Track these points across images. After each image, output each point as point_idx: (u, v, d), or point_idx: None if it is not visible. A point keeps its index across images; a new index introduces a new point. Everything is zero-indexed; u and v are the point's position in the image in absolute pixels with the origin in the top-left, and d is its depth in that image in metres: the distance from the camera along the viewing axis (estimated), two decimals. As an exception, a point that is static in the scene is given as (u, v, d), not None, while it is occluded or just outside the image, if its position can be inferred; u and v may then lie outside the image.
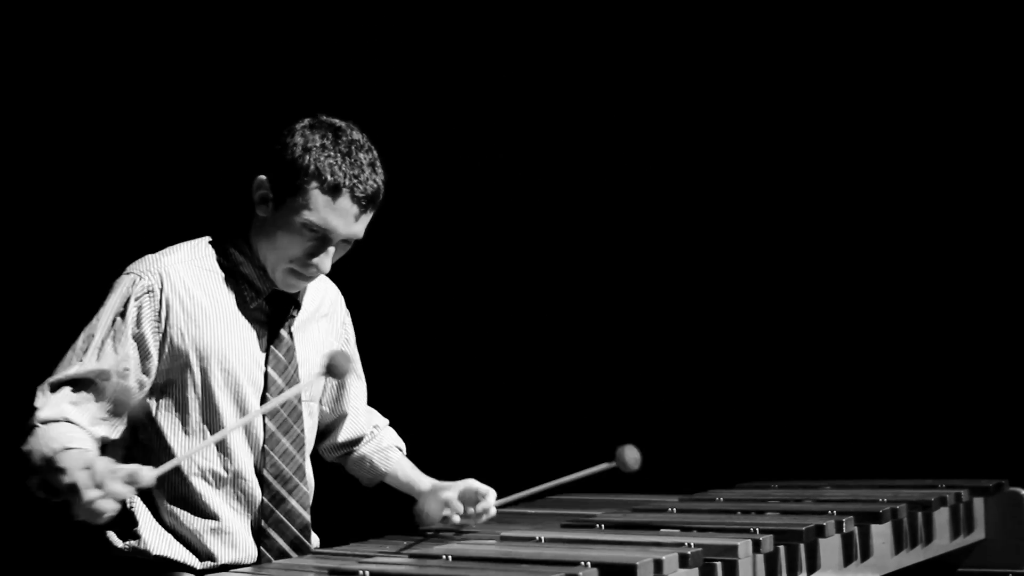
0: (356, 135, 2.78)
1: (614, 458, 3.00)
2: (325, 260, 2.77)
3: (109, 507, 2.35)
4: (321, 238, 2.74)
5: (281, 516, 2.82)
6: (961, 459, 4.26)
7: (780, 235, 5.06)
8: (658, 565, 2.36)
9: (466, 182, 5.26)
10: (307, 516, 2.87)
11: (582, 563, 2.30)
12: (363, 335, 3.22)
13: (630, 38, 5.21)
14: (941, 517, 3.37)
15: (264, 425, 2.82)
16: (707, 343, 5.15)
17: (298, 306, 2.90)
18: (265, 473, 2.80)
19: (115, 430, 2.69)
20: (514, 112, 5.27)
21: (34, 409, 2.61)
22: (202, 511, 2.76)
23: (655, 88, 5.20)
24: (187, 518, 2.75)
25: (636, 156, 5.24)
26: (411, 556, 2.54)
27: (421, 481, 3.13)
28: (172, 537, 2.74)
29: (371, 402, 3.29)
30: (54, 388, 2.65)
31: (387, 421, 3.30)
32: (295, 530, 2.84)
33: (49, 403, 2.62)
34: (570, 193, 5.29)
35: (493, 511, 3.02)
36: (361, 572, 2.13)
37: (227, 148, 4.52)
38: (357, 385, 3.21)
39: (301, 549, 2.84)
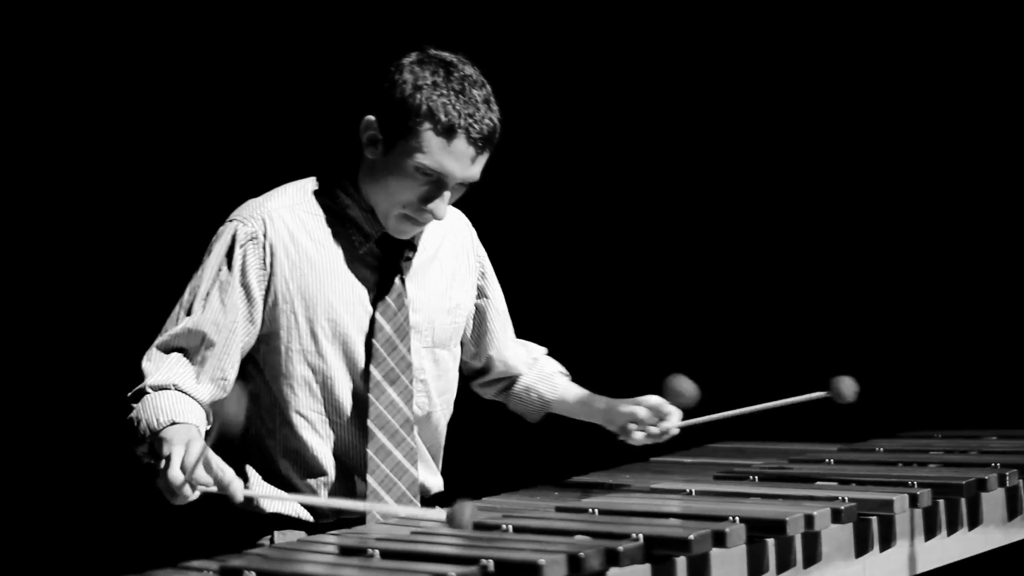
0: (468, 70, 2.62)
1: (828, 388, 2.97)
2: (440, 205, 2.62)
3: (188, 495, 2.33)
4: (436, 182, 2.59)
5: (387, 471, 2.71)
6: None
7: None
8: (809, 521, 2.31)
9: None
10: (415, 473, 2.75)
11: (730, 518, 2.25)
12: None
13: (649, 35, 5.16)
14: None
15: (369, 375, 2.69)
16: (878, 288, 5.05)
17: (413, 248, 2.76)
18: (370, 424, 2.70)
19: (226, 388, 2.62)
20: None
21: (142, 374, 2.57)
22: (312, 464, 2.70)
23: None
24: (298, 472, 2.71)
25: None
26: (558, 509, 2.52)
27: (596, 399, 3.01)
28: (284, 493, 2.69)
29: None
30: (162, 349, 2.61)
31: (545, 350, 3.18)
32: (402, 487, 2.72)
33: (159, 368, 2.57)
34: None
35: (675, 431, 2.96)
36: (370, 551, 2.12)
37: (334, 85, 4.43)
38: (500, 320, 3.04)
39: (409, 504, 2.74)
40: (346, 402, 2.70)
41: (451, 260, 2.85)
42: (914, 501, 2.56)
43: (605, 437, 3.20)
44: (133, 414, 2.49)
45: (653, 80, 5.17)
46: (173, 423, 2.43)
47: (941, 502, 2.68)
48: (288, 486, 2.70)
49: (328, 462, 2.72)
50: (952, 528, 2.73)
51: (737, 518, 2.25)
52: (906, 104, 4.97)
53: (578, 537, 2.17)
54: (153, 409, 2.47)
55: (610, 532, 2.18)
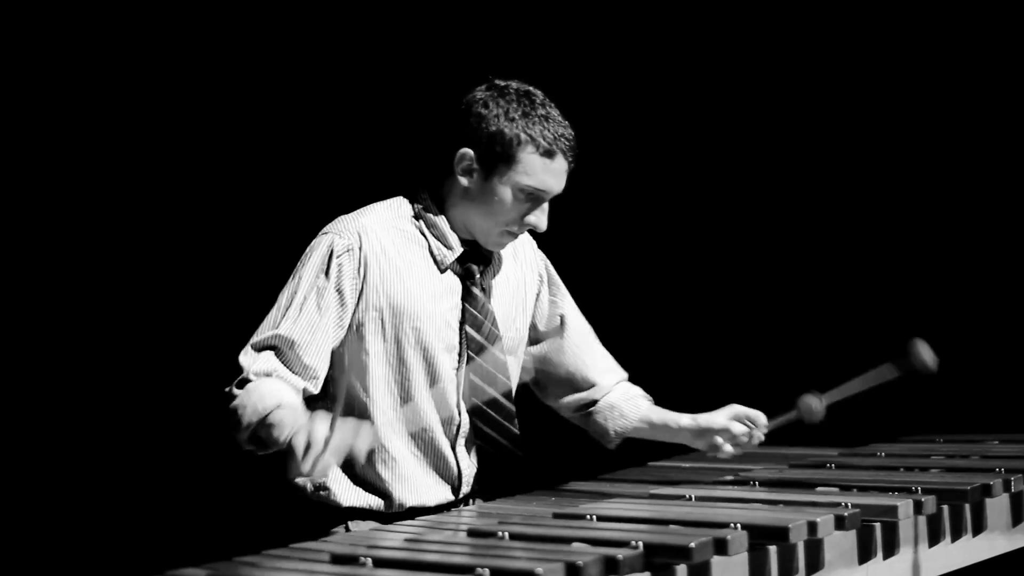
0: (541, 95, 2.87)
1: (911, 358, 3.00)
2: (542, 217, 2.86)
3: (319, 475, 2.50)
4: (535, 199, 2.84)
5: (492, 455, 2.94)
6: None
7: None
8: (812, 527, 2.27)
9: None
10: (518, 453, 2.97)
11: (731, 525, 2.21)
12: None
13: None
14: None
15: (460, 380, 2.90)
16: (874, 293, 5.01)
17: (489, 262, 2.97)
18: (475, 421, 2.92)
19: (317, 387, 2.79)
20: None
21: (240, 367, 2.72)
22: (385, 457, 2.86)
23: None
24: (375, 465, 2.85)
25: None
26: (555, 516, 2.47)
27: (680, 418, 3.09)
28: (360, 486, 2.84)
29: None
30: (258, 348, 2.76)
31: (626, 375, 3.23)
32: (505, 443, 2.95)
33: (257, 361, 2.72)
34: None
35: (763, 436, 3.04)
36: (362, 559, 2.07)
37: (412, 114, 4.66)
38: (584, 335, 3.17)
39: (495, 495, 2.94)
40: (422, 401, 2.88)
41: (516, 272, 3.06)
42: (918, 507, 2.51)
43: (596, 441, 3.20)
44: (236, 402, 2.65)
45: (646, 83, 5.16)
46: (279, 406, 2.61)
47: (945, 508, 2.64)
48: (362, 481, 2.86)
49: (404, 455, 2.88)
50: (956, 534, 2.69)
51: (739, 525, 2.20)
52: (897, 108, 4.95)
53: (576, 545, 2.14)
54: (259, 395, 2.64)
55: (609, 539, 2.14)
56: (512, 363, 3.01)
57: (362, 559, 2.08)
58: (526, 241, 3.10)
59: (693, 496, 2.62)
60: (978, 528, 2.74)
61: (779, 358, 4.92)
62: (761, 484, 2.81)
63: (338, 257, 2.80)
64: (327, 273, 2.80)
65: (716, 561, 2.13)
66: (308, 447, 2.46)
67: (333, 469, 2.68)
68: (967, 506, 2.69)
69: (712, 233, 5.24)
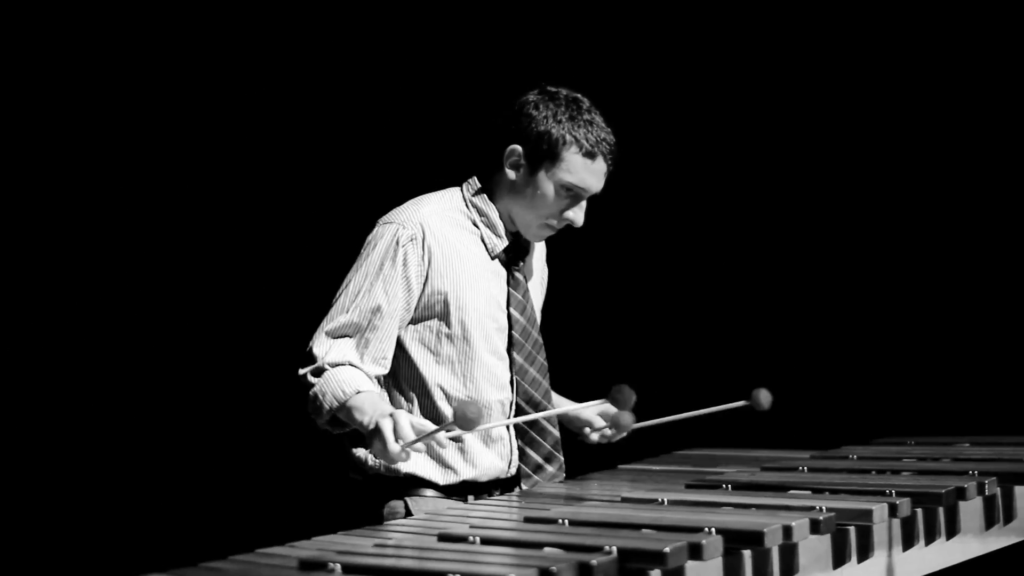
0: (587, 102, 3.09)
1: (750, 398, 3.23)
2: (579, 214, 3.08)
3: (406, 459, 2.72)
4: (575, 196, 3.06)
5: (535, 435, 3.13)
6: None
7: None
8: (787, 531, 2.24)
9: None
10: (556, 432, 3.17)
11: (706, 529, 2.18)
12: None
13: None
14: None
15: (512, 359, 3.11)
16: (846, 293, 5.01)
17: (527, 252, 3.20)
18: (518, 400, 3.12)
19: (387, 369, 3.00)
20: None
21: (312, 355, 2.92)
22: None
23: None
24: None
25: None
26: (526, 520, 2.44)
27: (562, 402, 3.31)
28: (419, 455, 2.91)
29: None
30: (330, 335, 2.96)
31: None
32: (548, 446, 3.14)
33: (330, 350, 2.93)
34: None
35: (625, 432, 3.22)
36: (331, 566, 2.04)
37: (463, 111, 4.81)
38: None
39: (552, 462, 3.15)
40: (482, 380, 3.07)
41: (539, 268, 3.32)
42: (893, 511, 2.48)
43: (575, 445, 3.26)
44: (316, 389, 2.88)
45: (638, 84, 5.14)
46: (358, 392, 2.83)
47: (919, 511, 2.61)
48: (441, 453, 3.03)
49: None
50: (930, 538, 2.66)
51: (713, 529, 2.17)
52: (895, 108, 4.96)
53: (548, 550, 2.10)
54: (336, 382, 2.86)
55: (582, 544, 2.10)
56: (542, 345, 3.23)
57: (331, 565, 2.03)
58: (542, 248, 3.33)
59: (665, 500, 2.59)
60: (952, 531, 2.72)
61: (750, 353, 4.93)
62: (733, 487, 2.78)
63: (403, 246, 2.99)
64: (394, 261, 2.98)
65: (690, 566, 2.10)
66: (396, 431, 2.67)
67: (418, 455, 2.85)
68: (941, 509, 2.67)
69: (703, 230, 5.25)
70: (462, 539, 2.22)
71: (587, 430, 3.30)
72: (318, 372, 2.90)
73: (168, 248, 5.01)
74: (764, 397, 3.24)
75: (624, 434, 3.22)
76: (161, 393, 4.97)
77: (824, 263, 5.03)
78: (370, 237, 3.05)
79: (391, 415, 2.71)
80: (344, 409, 2.83)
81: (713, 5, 5.12)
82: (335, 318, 2.98)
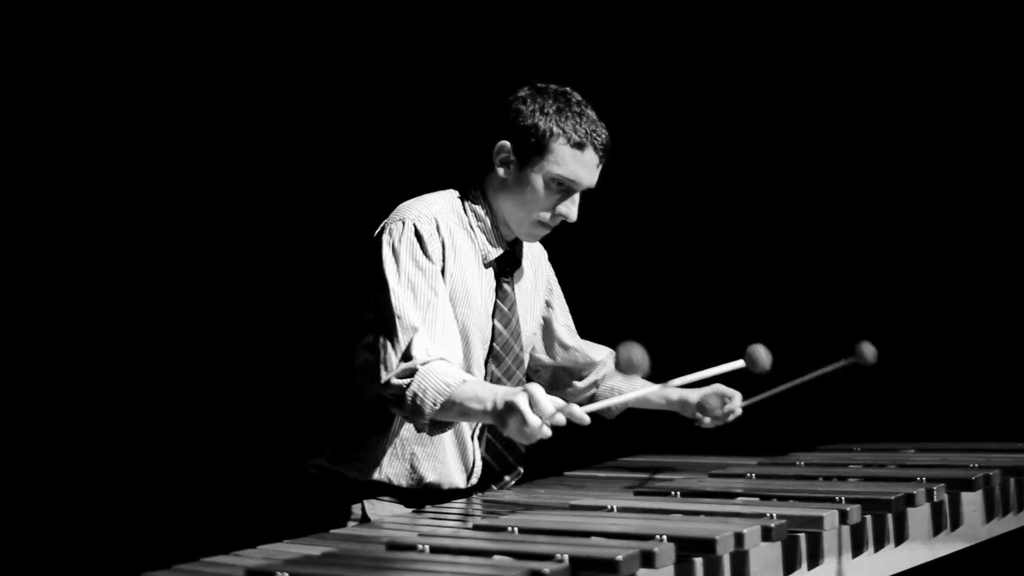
0: (578, 96, 3.05)
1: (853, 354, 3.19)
2: (572, 208, 3.04)
3: (547, 434, 2.62)
4: (566, 190, 3.02)
5: (500, 448, 3.13)
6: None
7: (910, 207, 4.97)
8: (739, 539, 2.21)
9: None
10: (522, 447, 3.13)
11: (657, 536, 2.15)
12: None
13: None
14: (1035, 483, 3.20)
15: (488, 371, 3.09)
16: (791, 300, 5.02)
17: (518, 263, 3.18)
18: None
19: (461, 356, 2.99)
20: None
21: (391, 371, 2.84)
22: (421, 436, 3.03)
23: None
24: (405, 441, 3.03)
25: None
26: (475, 528, 2.41)
27: (670, 391, 3.38)
28: (387, 460, 3.00)
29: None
30: (403, 341, 2.87)
31: (610, 351, 3.48)
32: (511, 459, 3.15)
33: (414, 349, 2.85)
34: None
35: (739, 411, 3.34)
36: (279, 574, 2.00)
37: (456, 112, 4.84)
38: (564, 324, 3.48)
39: (512, 473, 3.17)
40: None
41: (532, 276, 3.29)
42: (843, 517, 2.47)
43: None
44: (413, 388, 2.81)
45: (633, 84, 5.14)
46: (464, 381, 2.80)
47: (868, 518, 2.60)
48: (395, 454, 3.04)
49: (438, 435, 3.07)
50: (879, 544, 2.65)
51: (665, 536, 2.15)
52: (895, 108, 4.96)
53: (498, 558, 2.07)
54: (436, 376, 2.81)
55: (532, 552, 2.07)
56: (525, 360, 3.24)
57: (278, 574, 2.00)
58: (538, 249, 3.34)
59: (615, 507, 2.56)
60: (900, 538, 2.72)
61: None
62: (683, 495, 2.76)
63: (428, 238, 2.96)
64: (426, 254, 2.96)
65: (643, 573, 2.07)
66: (534, 406, 2.60)
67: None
68: (890, 516, 2.66)
69: (700, 226, 5.27)
70: (411, 547, 2.19)
71: (698, 414, 3.36)
72: (409, 373, 2.83)
73: (164, 248, 5.00)
74: (868, 350, 3.17)
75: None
76: (147, 393, 4.97)
77: (776, 267, 5.04)
78: (386, 238, 2.98)
79: (525, 390, 2.63)
80: (451, 401, 2.78)
81: (713, 5, 5.12)
82: (402, 321, 2.89)
